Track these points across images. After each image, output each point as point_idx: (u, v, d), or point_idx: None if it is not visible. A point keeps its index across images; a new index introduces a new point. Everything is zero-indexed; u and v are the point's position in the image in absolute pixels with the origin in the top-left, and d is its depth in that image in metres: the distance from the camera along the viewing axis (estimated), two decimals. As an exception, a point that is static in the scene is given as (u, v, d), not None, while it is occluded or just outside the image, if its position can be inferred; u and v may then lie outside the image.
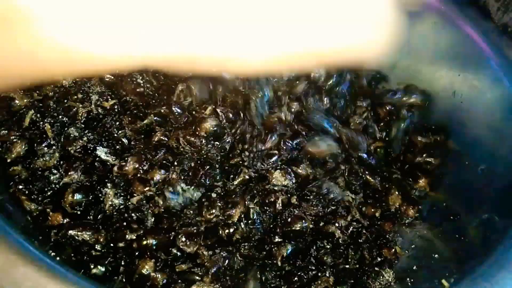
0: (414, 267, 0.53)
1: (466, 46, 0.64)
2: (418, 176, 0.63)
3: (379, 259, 0.55)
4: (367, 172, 0.61)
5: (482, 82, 0.62)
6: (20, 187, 0.51)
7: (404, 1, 0.22)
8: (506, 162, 0.55)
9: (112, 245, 0.50)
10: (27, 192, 0.51)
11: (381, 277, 0.53)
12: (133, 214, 0.51)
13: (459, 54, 0.65)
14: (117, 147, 0.56)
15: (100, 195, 0.52)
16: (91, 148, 0.55)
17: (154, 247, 0.50)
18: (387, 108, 0.68)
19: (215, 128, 0.56)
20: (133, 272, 0.49)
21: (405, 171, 0.64)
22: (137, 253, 0.50)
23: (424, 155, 0.64)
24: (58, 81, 0.58)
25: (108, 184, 0.53)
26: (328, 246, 0.54)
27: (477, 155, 0.60)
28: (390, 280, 0.53)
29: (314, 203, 0.56)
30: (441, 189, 0.62)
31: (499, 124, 0.59)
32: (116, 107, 0.58)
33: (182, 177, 0.53)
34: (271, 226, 0.55)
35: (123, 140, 0.56)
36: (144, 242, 0.49)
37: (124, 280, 0.49)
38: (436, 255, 0.53)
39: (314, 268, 0.53)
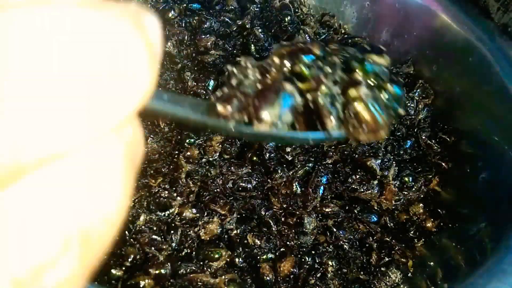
0: (408, 274, 0.53)
1: (466, 46, 0.63)
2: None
3: (386, 259, 0.55)
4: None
5: (482, 83, 0.61)
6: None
7: None
8: (506, 172, 0.54)
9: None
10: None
11: (387, 277, 0.53)
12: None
13: (460, 54, 0.64)
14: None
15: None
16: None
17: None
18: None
19: None
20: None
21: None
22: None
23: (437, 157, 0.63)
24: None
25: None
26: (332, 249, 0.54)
27: (479, 163, 0.59)
28: (397, 281, 0.53)
29: None
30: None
31: (500, 130, 0.58)
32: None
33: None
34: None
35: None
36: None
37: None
38: (431, 262, 0.53)
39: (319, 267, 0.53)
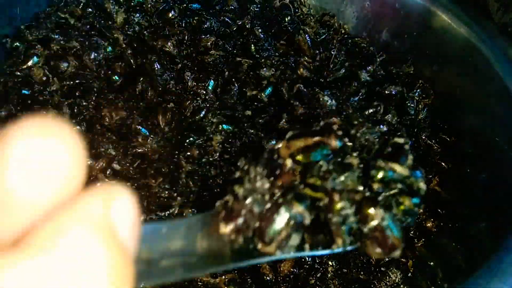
0: (409, 274, 0.53)
1: (466, 46, 0.63)
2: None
3: (386, 259, 0.55)
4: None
5: (482, 83, 0.61)
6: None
7: None
8: (506, 172, 0.54)
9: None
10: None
11: (387, 277, 0.53)
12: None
13: (460, 54, 0.64)
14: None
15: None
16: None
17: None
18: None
19: None
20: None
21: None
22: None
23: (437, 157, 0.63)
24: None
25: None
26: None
27: (479, 163, 0.59)
28: (397, 281, 0.53)
29: None
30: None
31: (500, 130, 0.58)
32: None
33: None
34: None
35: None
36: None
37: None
38: (431, 262, 0.53)
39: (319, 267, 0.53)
